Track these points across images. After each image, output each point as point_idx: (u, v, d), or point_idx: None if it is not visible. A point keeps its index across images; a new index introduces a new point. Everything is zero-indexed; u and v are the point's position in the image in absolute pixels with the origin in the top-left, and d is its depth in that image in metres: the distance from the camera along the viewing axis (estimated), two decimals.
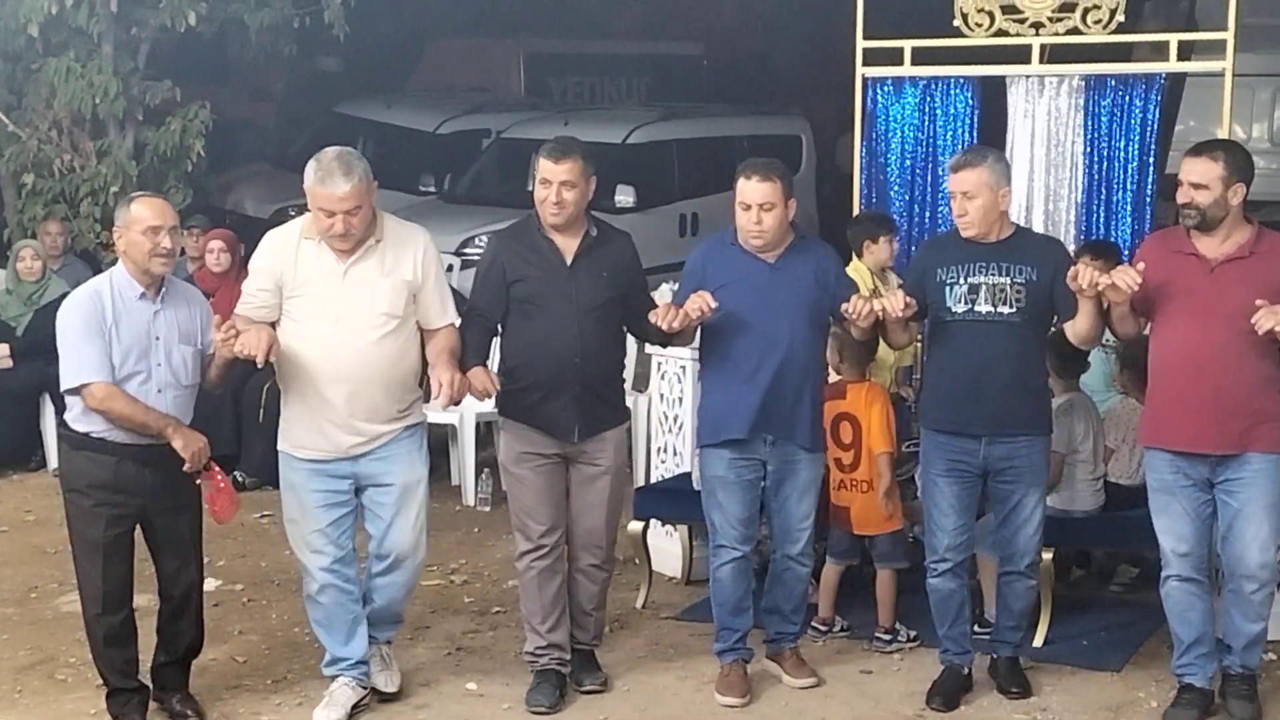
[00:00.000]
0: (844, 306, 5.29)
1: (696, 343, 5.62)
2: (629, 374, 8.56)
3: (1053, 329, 5.62)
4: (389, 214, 5.41)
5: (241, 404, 8.20)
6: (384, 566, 5.44)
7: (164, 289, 5.15)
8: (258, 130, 16.26)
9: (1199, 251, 5.11)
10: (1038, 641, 5.92)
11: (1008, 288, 5.26)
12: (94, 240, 10.35)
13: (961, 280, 5.30)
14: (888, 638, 6.00)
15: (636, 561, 6.66)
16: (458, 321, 5.45)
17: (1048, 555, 5.89)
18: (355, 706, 5.36)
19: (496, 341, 5.55)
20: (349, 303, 5.16)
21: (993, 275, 5.27)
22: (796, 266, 5.41)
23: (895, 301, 5.27)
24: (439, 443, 8.63)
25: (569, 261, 5.38)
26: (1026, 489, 5.38)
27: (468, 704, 5.52)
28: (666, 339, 5.51)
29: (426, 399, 5.47)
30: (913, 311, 5.31)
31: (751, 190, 5.35)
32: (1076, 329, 5.29)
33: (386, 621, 5.55)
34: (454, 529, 7.78)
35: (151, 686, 5.35)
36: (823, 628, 6.10)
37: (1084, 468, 6.05)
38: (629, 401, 8.24)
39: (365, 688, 5.40)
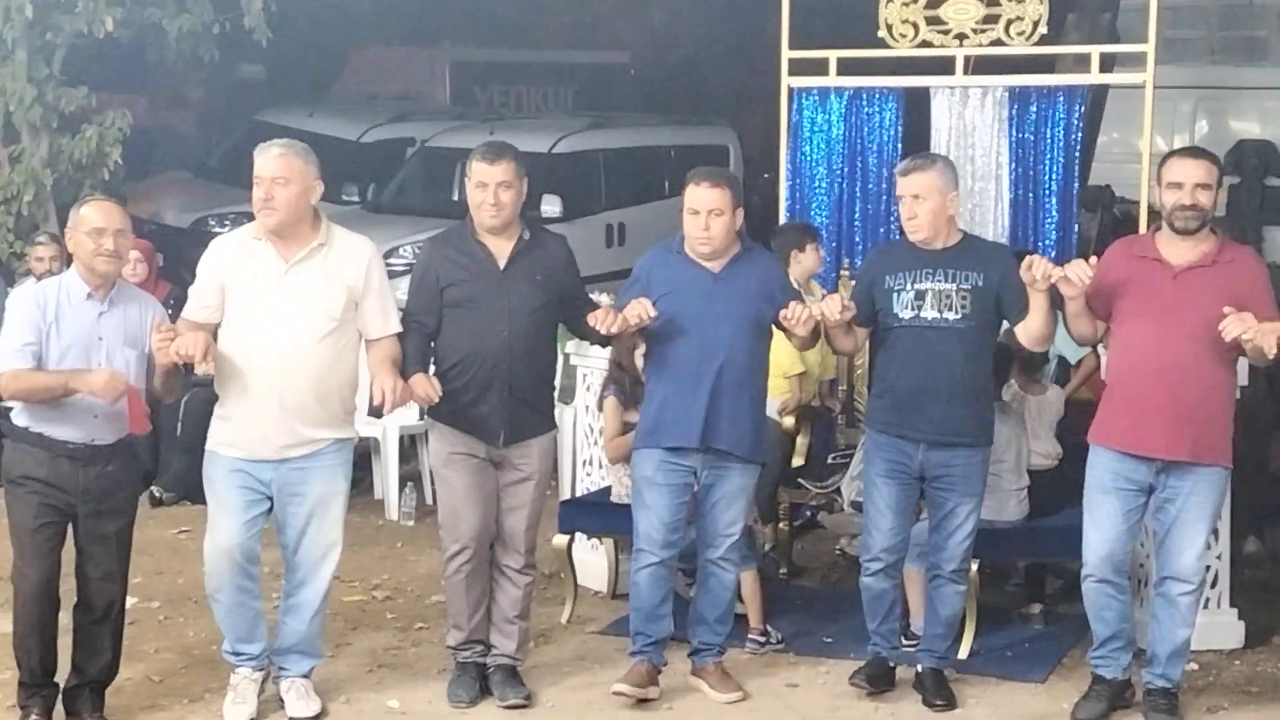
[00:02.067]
0: (783, 313, 5.35)
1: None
2: (555, 387, 8.58)
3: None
4: (339, 226, 5.45)
5: (159, 419, 8.08)
6: (295, 582, 5.45)
7: (114, 290, 5.18)
8: (177, 138, 16.11)
9: (1163, 257, 5.20)
10: (962, 653, 5.95)
11: (953, 294, 5.34)
12: (6, 249, 10.18)
13: (908, 286, 5.37)
14: (762, 640, 6.04)
15: (562, 575, 6.64)
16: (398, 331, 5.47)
17: (973, 567, 5.94)
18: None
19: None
20: (288, 302, 5.22)
21: (939, 281, 5.35)
22: (741, 276, 5.44)
23: (833, 306, 5.33)
24: (361, 456, 8.55)
25: (501, 266, 5.42)
26: (961, 498, 5.45)
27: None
28: (607, 341, 5.57)
29: (378, 415, 5.50)
30: (850, 315, 5.38)
31: (700, 196, 5.39)
32: (1028, 327, 5.35)
33: (302, 653, 5.51)
34: (377, 544, 7.73)
35: (65, 712, 5.29)
36: None
37: (1008, 477, 6.10)
38: (554, 414, 8.27)
39: (264, 669, 5.47)
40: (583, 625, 6.47)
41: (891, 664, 5.65)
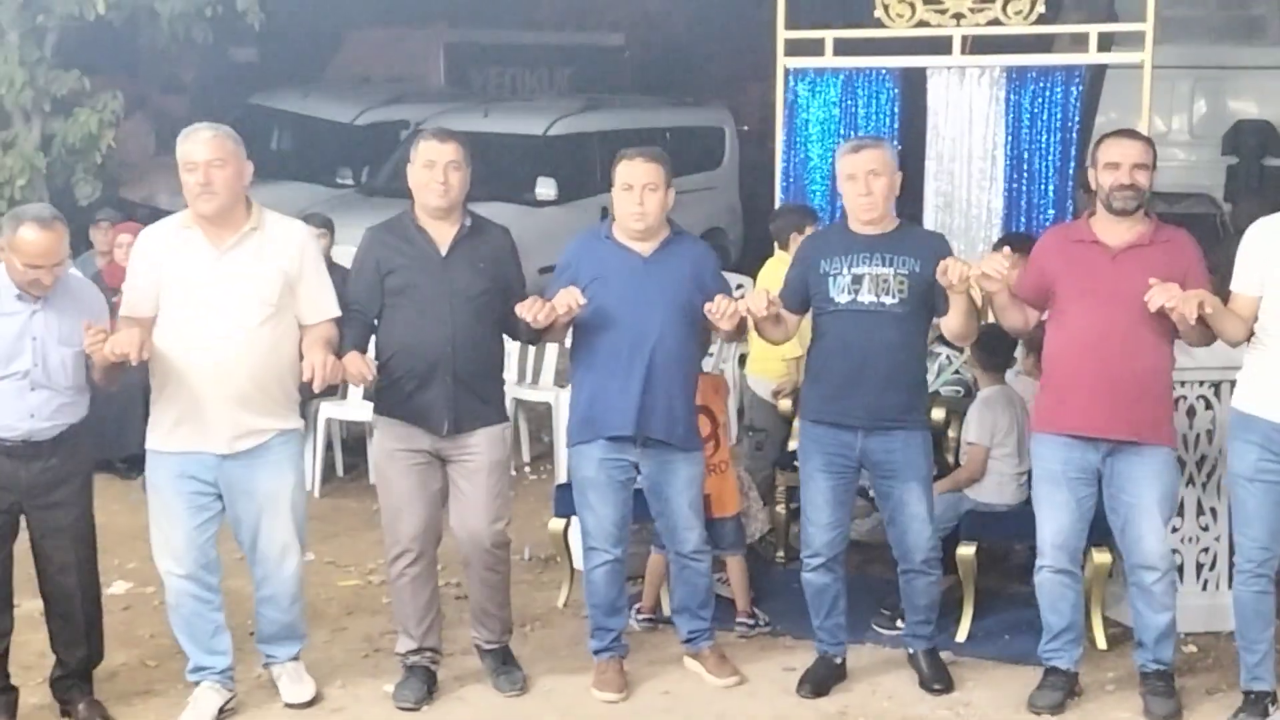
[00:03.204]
0: (707, 306, 5.23)
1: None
2: (552, 370, 8.58)
3: (981, 325, 5.65)
4: (269, 209, 5.32)
5: (148, 406, 8.06)
6: (260, 578, 5.35)
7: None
8: (170, 122, 16.05)
9: (1100, 239, 5.18)
10: (960, 636, 5.95)
11: (891, 278, 5.27)
12: None
13: (845, 271, 5.30)
14: (751, 622, 6.06)
15: (558, 559, 6.62)
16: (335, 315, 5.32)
17: (970, 550, 5.95)
18: (222, 710, 5.31)
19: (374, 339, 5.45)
20: (222, 289, 5.07)
21: (876, 266, 5.28)
22: (671, 261, 5.37)
23: (759, 301, 5.25)
24: (357, 440, 8.57)
25: (444, 252, 5.30)
26: (905, 483, 5.36)
27: (385, 706, 5.45)
28: (536, 336, 5.42)
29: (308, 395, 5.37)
30: (775, 310, 5.32)
31: (634, 171, 5.31)
32: (949, 325, 5.31)
33: (286, 638, 5.46)
34: (372, 528, 7.67)
35: (58, 702, 5.28)
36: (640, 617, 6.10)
37: (1007, 461, 6.08)
38: (551, 397, 8.29)
39: (230, 691, 5.36)
40: (579, 609, 6.43)
41: (837, 660, 5.60)
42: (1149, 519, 5.17)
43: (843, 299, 5.29)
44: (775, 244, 7.21)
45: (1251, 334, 5.06)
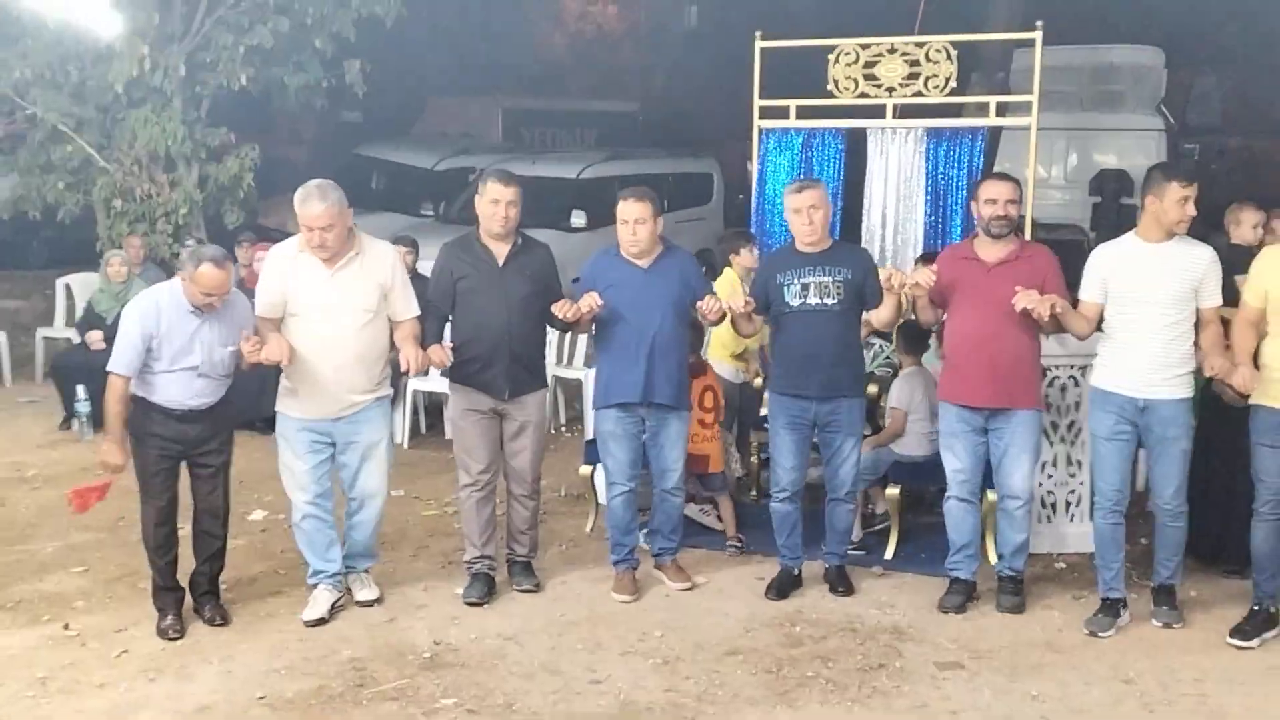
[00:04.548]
0: (698, 305, 5.37)
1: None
2: (582, 354, 8.61)
3: (902, 320, 5.71)
4: (366, 234, 5.36)
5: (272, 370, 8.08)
6: (355, 507, 5.44)
7: None
8: (294, 167, 16.09)
9: (979, 256, 5.27)
10: (888, 555, 5.99)
11: (830, 285, 5.34)
12: (167, 251, 10.25)
13: (796, 281, 5.37)
14: (738, 544, 6.13)
15: (586, 496, 6.67)
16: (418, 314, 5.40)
17: (895, 491, 5.98)
18: (334, 606, 5.37)
19: (448, 327, 5.52)
20: (335, 300, 5.15)
21: (819, 276, 5.36)
22: (665, 270, 5.46)
23: (738, 302, 5.40)
24: (436, 406, 8.61)
25: (501, 263, 5.40)
26: (844, 437, 5.45)
27: (456, 604, 5.51)
28: (568, 327, 5.55)
29: (395, 378, 5.42)
30: (752, 308, 5.43)
31: (629, 209, 5.43)
32: (880, 316, 5.42)
33: (365, 555, 5.56)
34: (447, 471, 7.65)
35: (189, 593, 5.35)
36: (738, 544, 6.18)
37: (921, 423, 6.11)
38: (581, 375, 8.32)
39: (340, 591, 5.42)
40: (601, 535, 6.47)
41: (795, 571, 5.65)
42: (1017, 462, 5.26)
43: (795, 302, 5.37)
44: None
45: (1098, 329, 5.14)
